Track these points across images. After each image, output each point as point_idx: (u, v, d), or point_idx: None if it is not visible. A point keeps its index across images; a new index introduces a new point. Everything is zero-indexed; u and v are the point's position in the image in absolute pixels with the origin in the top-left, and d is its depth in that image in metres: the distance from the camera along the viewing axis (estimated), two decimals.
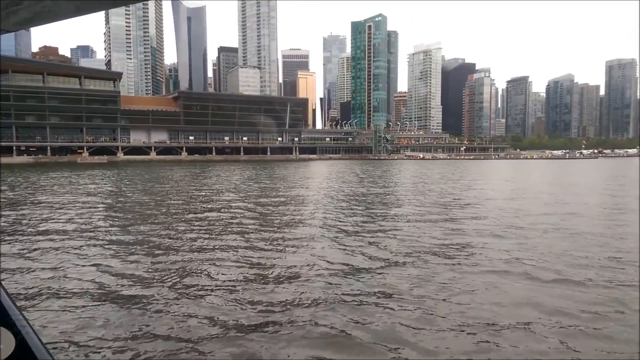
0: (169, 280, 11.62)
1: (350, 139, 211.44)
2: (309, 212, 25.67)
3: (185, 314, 9.26)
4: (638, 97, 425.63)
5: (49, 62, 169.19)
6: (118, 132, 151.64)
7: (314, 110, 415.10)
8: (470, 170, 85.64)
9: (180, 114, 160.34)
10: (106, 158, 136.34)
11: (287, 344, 7.88)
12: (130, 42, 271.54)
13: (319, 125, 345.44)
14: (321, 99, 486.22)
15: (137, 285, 11.21)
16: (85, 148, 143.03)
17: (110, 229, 19.77)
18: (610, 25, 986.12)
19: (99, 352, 7.57)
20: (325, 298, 10.14)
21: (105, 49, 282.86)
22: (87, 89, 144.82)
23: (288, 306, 9.68)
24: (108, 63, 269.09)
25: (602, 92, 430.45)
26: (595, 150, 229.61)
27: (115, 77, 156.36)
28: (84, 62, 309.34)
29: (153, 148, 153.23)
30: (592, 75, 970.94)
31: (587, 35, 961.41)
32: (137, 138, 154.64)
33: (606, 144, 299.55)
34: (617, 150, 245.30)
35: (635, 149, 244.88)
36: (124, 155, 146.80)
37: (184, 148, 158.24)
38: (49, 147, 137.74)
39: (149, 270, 12.61)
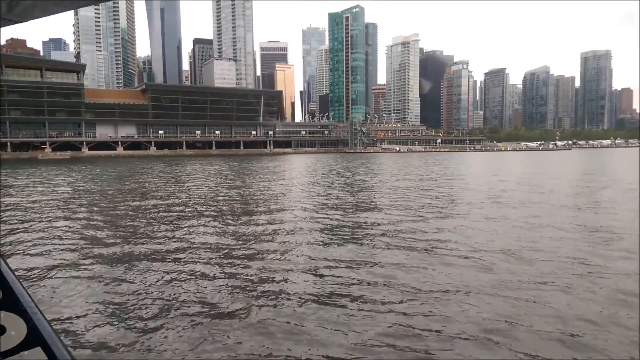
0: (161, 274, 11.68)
1: (326, 132, 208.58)
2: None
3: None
4: (612, 89, 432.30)
5: (7, 54, 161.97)
6: (83, 127, 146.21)
7: (293, 104, 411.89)
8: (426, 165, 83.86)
9: (149, 107, 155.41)
10: (69, 154, 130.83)
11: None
12: (100, 34, 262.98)
13: (299, 118, 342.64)
14: (301, 92, 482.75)
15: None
16: (48, 143, 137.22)
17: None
18: (585, 17, 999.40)
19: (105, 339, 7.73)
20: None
21: (74, 40, 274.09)
22: (49, 82, 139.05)
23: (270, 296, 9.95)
24: (77, 55, 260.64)
25: (577, 83, 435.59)
26: (570, 142, 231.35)
27: (79, 69, 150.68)
28: (56, 55, 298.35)
29: (120, 143, 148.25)
30: (567, 66, 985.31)
31: (563, 27, 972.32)
32: (104, 133, 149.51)
33: (581, 135, 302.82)
34: (591, 142, 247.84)
35: (608, 140, 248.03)
36: (89, 150, 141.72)
37: (153, 142, 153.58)
38: (9, 143, 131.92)
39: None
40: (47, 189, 36.64)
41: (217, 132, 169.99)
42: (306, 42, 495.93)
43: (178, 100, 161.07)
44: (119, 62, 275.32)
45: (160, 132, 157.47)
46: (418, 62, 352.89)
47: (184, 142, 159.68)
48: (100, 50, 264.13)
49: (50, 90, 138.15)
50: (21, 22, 1.50)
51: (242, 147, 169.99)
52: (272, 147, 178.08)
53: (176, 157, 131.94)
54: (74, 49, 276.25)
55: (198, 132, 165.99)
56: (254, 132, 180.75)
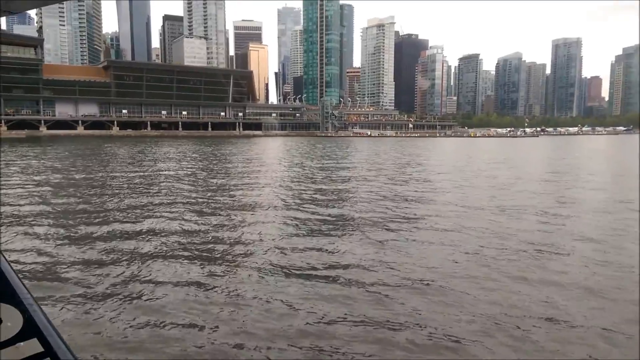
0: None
1: (298, 114, 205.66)
2: None
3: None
4: (582, 77, 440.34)
5: None
6: (41, 105, 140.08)
7: (267, 85, 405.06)
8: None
9: (111, 85, 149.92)
10: (25, 133, 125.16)
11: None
12: (63, 8, 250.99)
13: (273, 100, 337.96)
14: (276, 74, 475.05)
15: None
16: (3, 122, 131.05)
17: None
18: (558, 4, 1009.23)
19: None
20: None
21: (36, 14, 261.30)
22: (4, 57, 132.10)
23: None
24: (39, 30, 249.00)
25: (548, 70, 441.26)
26: (538, 129, 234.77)
27: (37, 43, 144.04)
28: (20, 30, 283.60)
29: (80, 122, 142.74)
30: (539, 53, 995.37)
31: (536, 13, 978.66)
32: (64, 111, 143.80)
33: (550, 122, 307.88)
34: (559, 129, 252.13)
35: (575, 128, 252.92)
36: (48, 129, 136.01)
37: (116, 122, 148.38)
38: None
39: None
40: None
41: (184, 112, 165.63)
42: (281, 22, 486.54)
43: (143, 78, 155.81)
44: (84, 37, 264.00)
45: (124, 111, 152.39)
46: (393, 46, 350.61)
47: (149, 123, 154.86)
48: (64, 25, 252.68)
49: (5, 66, 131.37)
50: (17, 12, 1.55)
51: (210, 129, 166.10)
52: (241, 129, 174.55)
53: (140, 138, 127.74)
54: (36, 23, 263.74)
55: (164, 112, 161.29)
56: (222, 114, 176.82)
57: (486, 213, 18.51)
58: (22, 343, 1.30)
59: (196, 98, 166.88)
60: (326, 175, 34.33)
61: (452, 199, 22.16)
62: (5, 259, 1.43)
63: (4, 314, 1.33)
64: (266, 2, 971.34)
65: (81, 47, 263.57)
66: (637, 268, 11.14)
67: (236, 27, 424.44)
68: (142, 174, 34.58)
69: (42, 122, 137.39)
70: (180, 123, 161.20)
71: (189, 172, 35.87)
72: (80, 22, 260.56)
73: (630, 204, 20.24)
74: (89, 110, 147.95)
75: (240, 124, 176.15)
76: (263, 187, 27.24)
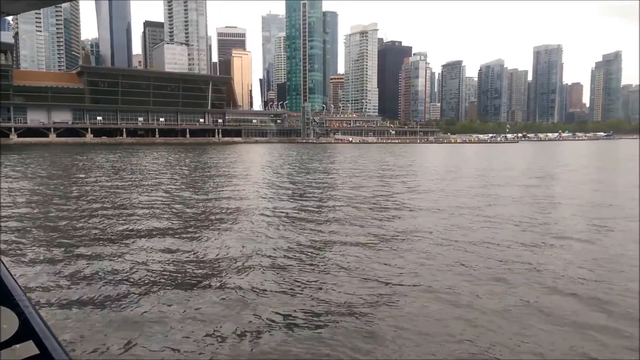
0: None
1: (279, 121, 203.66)
2: None
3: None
4: (563, 83, 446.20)
5: None
6: (11, 112, 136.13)
7: (250, 91, 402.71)
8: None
9: (85, 91, 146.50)
10: None
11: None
12: (40, 13, 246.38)
13: (258, 107, 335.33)
14: (261, 80, 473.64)
15: None
16: None
17: None
18: (539, 11, 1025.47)
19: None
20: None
21: (12, 20, 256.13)
22: None
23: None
24: (15, 36, 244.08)
25: (529, 77, 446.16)
26: (519, 135, 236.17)
27: (6, 48, 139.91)
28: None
29: (53, 129, 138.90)
30: (521, 60, 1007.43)
31: (517, 19, 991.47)
32: (36, 118, 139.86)
33: (532, 128, 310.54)
34: (539, 135, 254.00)
35: (555, 134, 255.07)
36: (18, 137, 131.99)
37: (90, 129, 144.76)
38: None
39: None
40: None
41: (162, 119, 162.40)
42: (266, 29, 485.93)
43: (118, 84, 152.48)
44: (61, 43, 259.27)
45: (99, 118, 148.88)
46: (376, 52, 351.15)
47: (124, 129, 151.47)
48: (40, 31, 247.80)
49: None
50: (15, 14, 1.57)
51: (188, 136, 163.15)
52: (220, 135, 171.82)
53: (114, 146, 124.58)
54: (13, 29, 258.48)
55: (140, 119, 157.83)
56: (202, 120, 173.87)
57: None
58: (17, 345, 1.31)
59: (174, 104, 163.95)
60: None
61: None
62: (2, 261, 1.44)
63: (0, 316, 1.33)
64: (250, 9, 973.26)
65: (58, 54, 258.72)
66: (637, 268, 11.32)
67: (219, 34, 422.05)
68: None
69: (13, 129, 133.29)
70: (157, 130, 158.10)
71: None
72: (57, 28, 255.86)
73: None
74: (62, 117, 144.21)
75: (220, 130, 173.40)
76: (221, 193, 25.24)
